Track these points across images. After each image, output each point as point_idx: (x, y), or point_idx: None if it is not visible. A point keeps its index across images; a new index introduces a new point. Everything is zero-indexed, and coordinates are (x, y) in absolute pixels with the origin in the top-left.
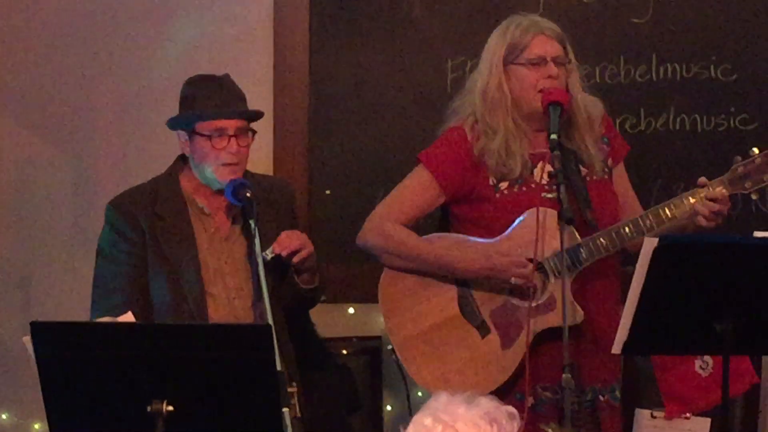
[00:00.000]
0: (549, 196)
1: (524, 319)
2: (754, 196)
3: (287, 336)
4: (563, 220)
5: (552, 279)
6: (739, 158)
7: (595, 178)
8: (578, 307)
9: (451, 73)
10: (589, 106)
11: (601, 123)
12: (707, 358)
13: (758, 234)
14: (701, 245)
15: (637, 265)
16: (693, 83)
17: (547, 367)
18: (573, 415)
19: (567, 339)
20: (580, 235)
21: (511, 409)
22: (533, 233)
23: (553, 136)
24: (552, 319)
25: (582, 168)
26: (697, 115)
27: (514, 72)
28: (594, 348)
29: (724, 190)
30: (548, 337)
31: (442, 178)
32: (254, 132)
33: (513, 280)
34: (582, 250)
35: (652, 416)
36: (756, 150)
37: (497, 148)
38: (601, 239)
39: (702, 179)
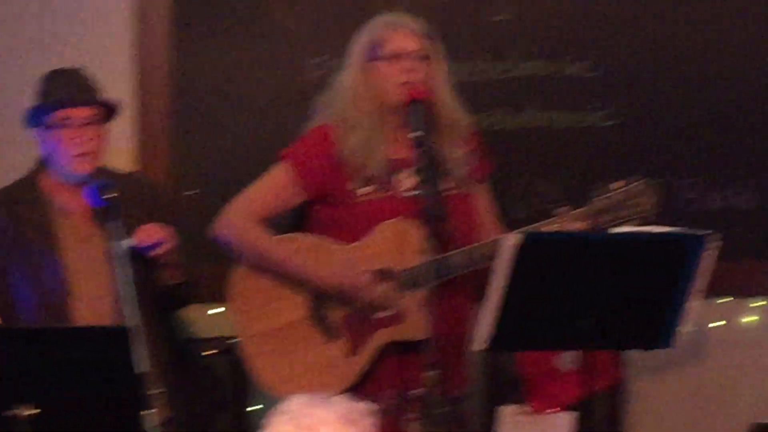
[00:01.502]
0: (412, 194)
1: (372, 328)
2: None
3: (156, 336)
4: (428, 217)
5: (405, 292)
6: (599, 191)
7: (455, 192)
8: (428, 323)
9: (314, 71)
10: (456, 111)
11: (468, 137)
12: (572, 352)
13: (617, 230)
14: (563, 241)
15: (497, 261)
16: (554, 80)
17: (393, 378)
18: (434, 417)
19: (431, 340)
20: (435, 247)
21: (365, 406)
22: (389, 244)
23: (416, 134)
24: (400, 332)
25: (445, 182)
26: (558, 112)
27: (376, 68)
28: (441, 361)
29: (579, 224)
30: (395, 349)
31: (302, 177)
32: (108, 120)
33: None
34: (438, 266)
35: (517, 412)
36: (616, 184)
37: (357, 144)
38: (456, 258)
39: (562, 208)
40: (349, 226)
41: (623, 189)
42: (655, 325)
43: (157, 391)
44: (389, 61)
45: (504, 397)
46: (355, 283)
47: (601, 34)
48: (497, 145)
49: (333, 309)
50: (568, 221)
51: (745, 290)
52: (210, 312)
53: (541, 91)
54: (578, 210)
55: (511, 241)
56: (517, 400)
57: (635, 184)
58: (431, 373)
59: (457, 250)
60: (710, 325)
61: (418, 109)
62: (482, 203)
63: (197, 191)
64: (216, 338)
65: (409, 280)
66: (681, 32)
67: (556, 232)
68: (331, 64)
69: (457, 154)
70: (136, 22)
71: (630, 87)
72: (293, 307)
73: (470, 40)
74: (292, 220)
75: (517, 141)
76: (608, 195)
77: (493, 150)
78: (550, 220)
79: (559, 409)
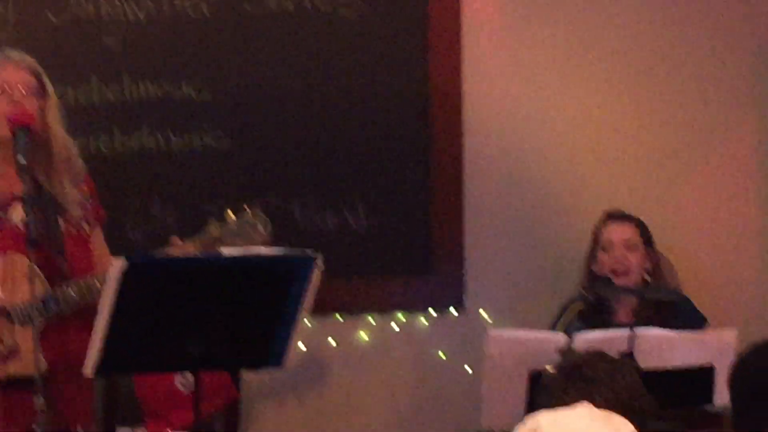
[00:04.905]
0: (22, 224)
1: None
2: None
3: None
4: (39, 247)
5: (17, 327)
6: (213, 220)
7: (72, 232)
8: (41, 358)
9: None
10: (71, 151)
11: (84, 181)
12: (188, 374)
13: (226, 252)
14: (168, 264)
15: (105, 287)
16: (166, 102)
17: (11, 414)
18: None
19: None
20: (53, 285)
21: None
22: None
23: (22, 160)
24: (15, 367)
25: (60, 220)
26: (170, 133)
27: None
28: (59, 394)
29: (195, 251)
30: (11, 385)
31: None
32: None
33: None
34: (51, 301)
35: None
36: (230, 213)
37: None
38: (70, 292)
39: (174, 238)
40: None
41: (238, 217)
42: (265, 345)
43: None
44: None
45: (123, 420)
46: None
47: (211, 57)
48: (111, 168)
49: None
50: (182, 249)
51: (356, 307)
52: None
53: (154, 112)
54: (193, 238)
55: (116, 265)
56: (136, 421)
57: (248, 213)
58: (46, 407)
59: (71, 283)
60: (324, 342)
61: (23, 135)
62: (98, 247)
63: None
64: None
65: (21, 315)
66: (292, 54)
67: (161, 256)
68: None
69: (74, 194)
70: None
71: (241, 110)
72: None
73: (81, 62)
74: None
75: (130, 164)
76: (223, 224)
77: (107, 173)
78: (168, 248)
79: (174, 431)
